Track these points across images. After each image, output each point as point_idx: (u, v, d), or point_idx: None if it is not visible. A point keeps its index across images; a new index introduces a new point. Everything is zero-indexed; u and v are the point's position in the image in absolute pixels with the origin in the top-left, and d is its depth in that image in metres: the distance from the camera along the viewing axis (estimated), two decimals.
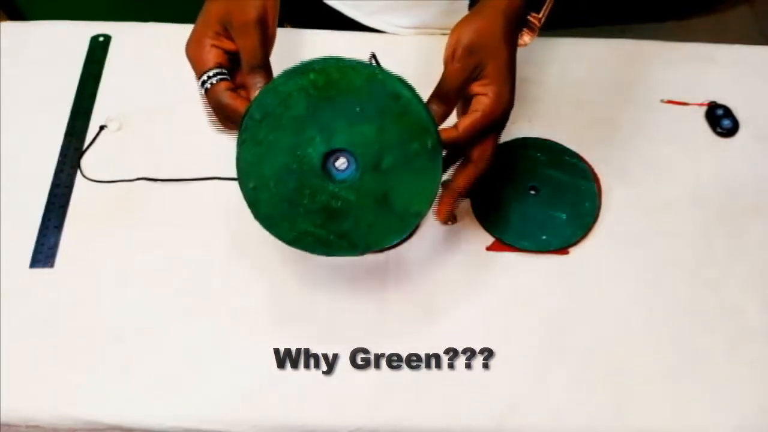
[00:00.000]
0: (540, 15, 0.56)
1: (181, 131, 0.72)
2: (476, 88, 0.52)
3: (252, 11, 0.51)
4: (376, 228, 0.51)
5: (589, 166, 0.69)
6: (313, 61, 0.49)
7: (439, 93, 0.51)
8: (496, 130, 0.53)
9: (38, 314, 0.63)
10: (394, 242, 0.52)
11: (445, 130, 0.51)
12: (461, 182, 0.55)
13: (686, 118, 0.73)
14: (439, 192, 0.54)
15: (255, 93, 0.51)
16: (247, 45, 0.52)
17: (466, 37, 0.51)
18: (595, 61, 0.76)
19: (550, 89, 0.74)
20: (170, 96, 0.74)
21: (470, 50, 0.51)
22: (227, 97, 0.51)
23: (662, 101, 0.74)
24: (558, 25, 0.77)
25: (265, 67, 0.52)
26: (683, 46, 0.77)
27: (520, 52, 0.76)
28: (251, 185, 0.51)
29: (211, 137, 0.72)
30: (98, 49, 0.78)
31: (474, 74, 0.51)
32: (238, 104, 0.51)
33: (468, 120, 0.51)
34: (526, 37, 0.57)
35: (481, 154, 0.54)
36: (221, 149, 0.69)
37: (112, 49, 0.78)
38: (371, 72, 0.48)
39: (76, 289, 0.64)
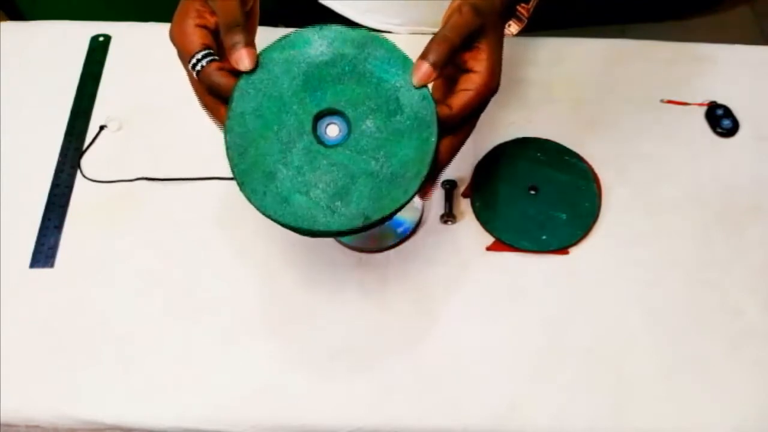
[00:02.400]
0: (529, 5, 0.55)
1: (181, 131, 0.72)
2: (469, 61, 0.50)
3: None
4: (373, 194, 0.47)
5: (589, 166, 0.69)
6: (303, 29, 0.49)
7: (439, 38, 0.48)
8: (481, 111, 0.51)
9: (38, 314, 0.63)
10: (398, 207, 0.48)
11: (438, 108, 0.49)
12: (444, 156, 0.51)
13: (686, 118, 0.73)
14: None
15: (234, 53, 0.48)
16: (224, 5, 0.49)
17: None
18: (595, 61, 0.76)
19: (550, 89, 0.74)
20: (170, 96, 0.74)
21: (477, 10, 0.48)
22: (220, 77, 0.49)
23: (662, 101, 0.74)
24: (558, 25, 0.78)
25: (244, 26, 0.49)
26: (683, 46, 0.77)
27: (522, 53, 0.76)
28: (239, 152, 0.48)
29: (211, 137, 0.71)
30: (98, 49, 0.78)
31: (474, 36, 0.49)
32: (232, 83, 0.49)
33: (462, 98, 0.49)
34: (513, 27, 0.57)
35: (467, 131, 0.52)
36: (221, 149, 0.69)
37: (112, 49, 0.78)
38: (361, 35, 0.49)
39: (76, 289, 0.64)
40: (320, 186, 0.48)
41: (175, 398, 0.59)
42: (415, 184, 0.48)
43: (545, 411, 0.59)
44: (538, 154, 0.70)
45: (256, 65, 0.48)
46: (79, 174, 0.70)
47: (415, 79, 0.48)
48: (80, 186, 0.69)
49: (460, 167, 0.69)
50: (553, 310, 0.63)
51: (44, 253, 0.66)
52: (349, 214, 0.47)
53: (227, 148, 0.48)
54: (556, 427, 0.58)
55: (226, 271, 0.65)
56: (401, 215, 0.66)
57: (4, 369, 0.60)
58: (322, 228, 0.47)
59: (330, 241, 0.66)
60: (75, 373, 0.60)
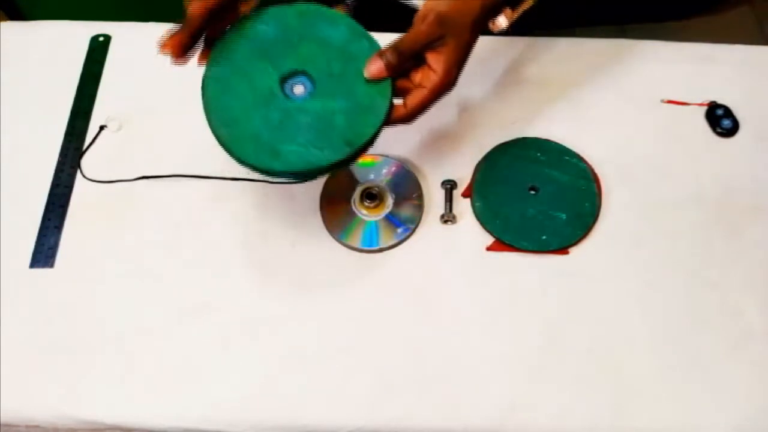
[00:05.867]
0: (514, 14, 0.58)
1: (181, 131, 0.72)
2: (430, 58, 0.55)
3: None
4: (350, 124, 0.53)
5: (589, 166, 0.69)
6: (250, 14, 0.56)
7: (397, 47, 0.54)
8: (435, 102, 0.56)
9: (38, 314, 0.63)
10: (376, 131, 0.53)
11: (396, 108, 0.55)
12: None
13: (686, 118, 0.73)
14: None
15: None
16: None
17: (442, 6, 0.53)
18: (595, 61, 0.76)
19: (550, 89, 0.74)
20: (170, 96, 0.74)
21: (441, 21, 0.53)
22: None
23: (662, 101, 0.74)
24: (558, 25, 0.78)
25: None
26: (683, 46, 0.77)
27: (522, 53, 0.76)
28: (222, 124, 0.53)
29: (212, 137, 0.71)
30: (98, 49, 0.78)
31: (434, 43, 0.54)
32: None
33: (417, 98, 0.55)
34: (500, 21, 0.59)
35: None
36: (221, 149, 0.69)
37: (112, 49, 0.78)
38: (300, 7, 0.56)
39: (76, 289, 0.64)
40: (302, 133, 0.53)
41: (175, 398, 0.59)
42: (384, 109, 0.54)
43: (545, 411, 0.59)
44: (538, 154, 0.70)
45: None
46: (79, 174, 0.70)
47: (367, 73, 0.54)
48: (80, 186, 0.69)
49: (460, 167, 0.69)
50: (553, 310, 0.63)
51: (44, 253, 0.66)
52: (334, 147, 0.52)
53: (210, 124, 0.54)
54: (556, 427, 0.58)
55: (225, 271, 0.65)
56: (401, 215, 0.67)
57: (4, 369, 0.60)
58: (315, 165, 0.52)
59: (330, 241, 0.66)
60: (75, 373, 0.60)
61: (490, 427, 0.58)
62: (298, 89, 0.54)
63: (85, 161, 0.71)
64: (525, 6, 0.58)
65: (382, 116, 0.54)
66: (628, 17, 0.85)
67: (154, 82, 0.75)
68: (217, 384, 0.60)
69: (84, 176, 0.69)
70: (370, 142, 0.54)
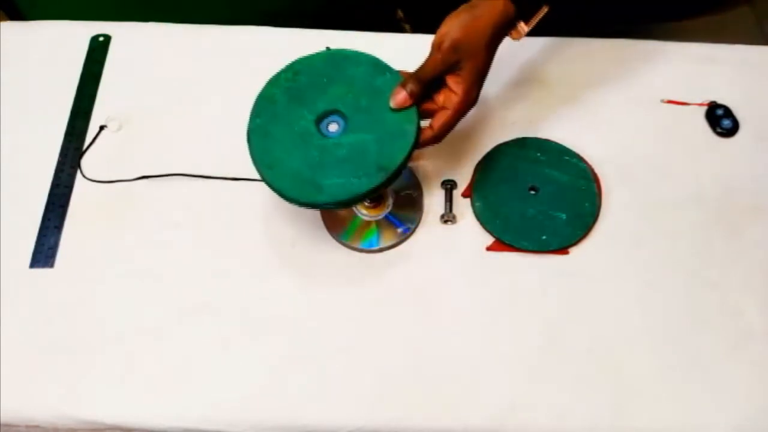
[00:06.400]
0: (527, 27, 0.60)
1: (181, 131, 0.72)
2: (450, 80, 0.58)
3: None
4: (383, 151, 0.56)
5: (589, 166, 0.69)
6: (283, 68, 0.60)
7: (417, 76, 0.57)
8: (459, 120, 0.60)
9: (38, 314, 0.63)
10: (407, 154, 0.56)
11: (423, 131, 0.59)
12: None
13: (686, 118, 0.73)
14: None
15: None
16: None
17: (455, 32, 0.56)
18: (595, 61, 0.76)
19: (550, 89, 0.74)
20: (170, 96, 0.74)
21: (455, 48, 0.56)
22: None
23: (662, 101, 0.74)
24: (559, 26, 0.77)
25: None
26: (683, 46, 0.77)
27: (522, 52, 0.76)
28: (268, 168, 0.57)
29: (212, 137, 0.72)
30: (98, 49, 0.78)
31: (452, 69, 0.58)
32: None
33: (441, 120, 0.59)
34: (515, 34, 0.61)
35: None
36: (221, 149, 0.70)
37: (112, 49, 0.78)
38: (326, 53, 0.61)
39: (76, 289, 0.64)
40: (341, 165, 0.56)
41: (175, 398, 0.60)
42: (412, 133, 0.57)
43: (545, 411, 0.59)
44: (538, 154, 0.70)
45: None
46: (79, 174, 0.70)
47: (393, 103, 0.57)
48: (80, 186, 0.69)
49: (460, 167, 0.70)
50: (553, 310, 0.63)
51: (44, 253, 0.66)
52: (370, 174, 0.56)
53: (256, 168, 0.57)
54: (556, 427, 0.58)
55: (226, 271, 0.65)
56: (401, 215, 0.67)
57: (4, 369, 0.60)
58: (356, 194, 0.56)
59: (330, 241, 0.66)
60: (75, 373, 0.60)
61: (490, 427, 0.58)
62: (333, 127, 0.58)
63: (85, 161, 0.71)
64: (539, 16, 0.60)
65: (411, 140, 0.57)
66: (628, 17, 0.85)
67: (154, 82, 0.75)
68: (217, 384, 0.60)
69: (84, 176, 0.69)
70: (403, 165, 0.57)
